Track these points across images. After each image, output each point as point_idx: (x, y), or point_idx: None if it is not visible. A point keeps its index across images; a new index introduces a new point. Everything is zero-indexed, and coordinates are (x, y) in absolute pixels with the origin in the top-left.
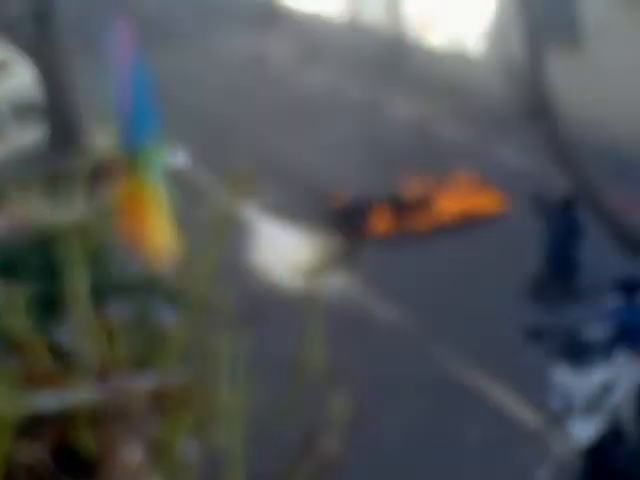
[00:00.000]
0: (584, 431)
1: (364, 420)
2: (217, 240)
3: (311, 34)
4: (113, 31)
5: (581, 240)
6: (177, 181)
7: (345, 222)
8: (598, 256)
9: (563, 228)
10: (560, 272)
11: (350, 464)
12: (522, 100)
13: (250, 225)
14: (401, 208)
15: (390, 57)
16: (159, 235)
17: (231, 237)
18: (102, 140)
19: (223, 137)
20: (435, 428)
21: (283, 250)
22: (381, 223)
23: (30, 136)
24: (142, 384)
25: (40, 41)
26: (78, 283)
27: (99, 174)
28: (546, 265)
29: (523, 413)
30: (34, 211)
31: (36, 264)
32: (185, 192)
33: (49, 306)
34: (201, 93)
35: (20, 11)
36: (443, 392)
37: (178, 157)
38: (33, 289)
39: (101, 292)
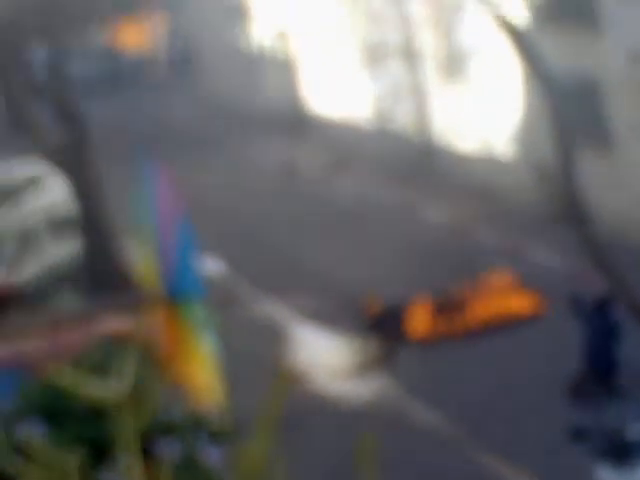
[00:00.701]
0: None
1: None
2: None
3: (341, 141)
4: (155, 184)
5: (619, 339)
6: (212, 288)
7: (381, 326)
8: (637, 355)
9: (601, 328)
10: (600, 371)
11: None
12: (554, 203)
13: (289, 331)
14: (438, 311)
15: (420, 162)
16: (203, 376)
17: (271, 342)
18: (144, 278)
19: (257, 244)
20: None
21: (322, 355)
22: (418, 326)
23: (65, 251)
24: None
25: (75, 161)
26: (126, 429)
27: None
28: (586, 365)
29: None
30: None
31: (82, 408)
32: (217, 298)
33: (97, 450)
34: (235, 201)
35: (60, 139)
36: None
37: (212, 265)
38: (80, 433)
39: (149, 434)
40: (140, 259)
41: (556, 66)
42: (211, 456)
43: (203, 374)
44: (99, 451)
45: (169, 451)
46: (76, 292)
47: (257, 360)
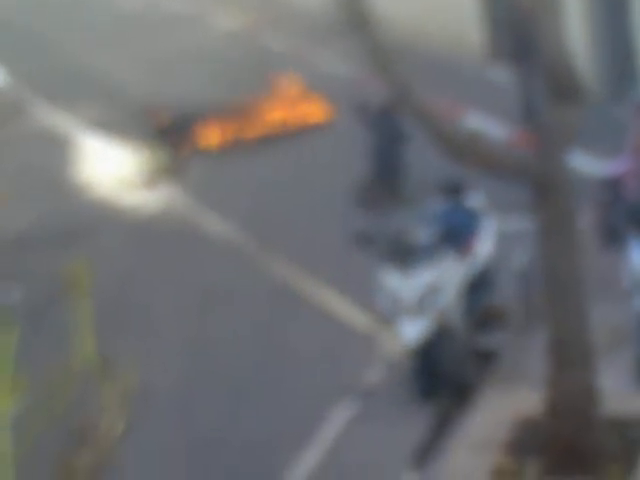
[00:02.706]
0: (413, 331)
1: (193, 330)
2: None
3: None
4: None
5: (404, 146)
6: None
7: (170, 137)
8: (422, 162)
9: (386, 134)
10: (385, 178)
11: (178, 366)
12: (340, 9)
13: (75, 141)
14: (227, 120)
15: None
16: None
17: (55, 153)
18: None
19: (42, 52)
20: (267, 334)
21: (109, 165)
22: (208, 136)
23: None
24: None
25: None
26: None
27: None
28: (372, 171)
29: (353, 316)
30: None
31: None
32: (5, 110)
33: None
34: (16, 5)
35: None
36: (274, 299)
37: None
38: None
39: None
40: None
41: None
42: None
43: None
44: None
45: None
46: None
47: (46, 172)
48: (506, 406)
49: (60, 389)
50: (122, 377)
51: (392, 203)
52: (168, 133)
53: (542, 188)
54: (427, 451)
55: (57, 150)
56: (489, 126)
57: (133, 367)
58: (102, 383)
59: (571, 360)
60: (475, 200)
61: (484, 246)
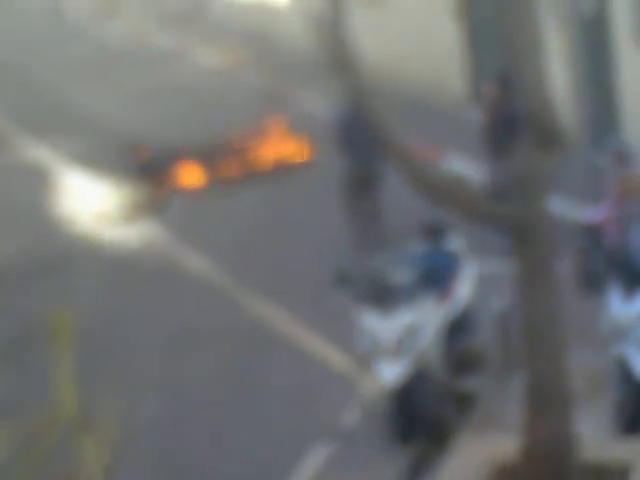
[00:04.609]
0: (391, 373)
1: (172, 371)
2: None
3: None
4: None
5: (382, 187)
6: None
7: (151, 173)
8: (401, 203)
9: (364, 175)
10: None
11: (157, 409)
12: (324, 51)
13: (56, 175)
14: (209, 158)
15: (194, 7)
16: None
17: (36, 186)
18: None
19: (23, 87)
20: (244, 374)
21: (88, 200)
22: (189, 174)
23: None
24: None
25: None
26: None
27: None
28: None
29: (331, 357)
30: None
31: None
32: None
33: None
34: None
35: None
36: (252, 338)
37: None
38: None
39: None
40: None
41: None
42: None
43: None
44: None
45: None
46: None
47: (25, 206)
48: (483, 451)
49: (38, 439)
50: (102, 426)
51: (371, 243)
52: (149, 169)
53: (521, 233)
54: None
55: (38, 183)
56: (469, 169)
57: (113, 414)
58: (82, 433)
59: (548, 405)
60: (455, 242)
61: (464, 288)
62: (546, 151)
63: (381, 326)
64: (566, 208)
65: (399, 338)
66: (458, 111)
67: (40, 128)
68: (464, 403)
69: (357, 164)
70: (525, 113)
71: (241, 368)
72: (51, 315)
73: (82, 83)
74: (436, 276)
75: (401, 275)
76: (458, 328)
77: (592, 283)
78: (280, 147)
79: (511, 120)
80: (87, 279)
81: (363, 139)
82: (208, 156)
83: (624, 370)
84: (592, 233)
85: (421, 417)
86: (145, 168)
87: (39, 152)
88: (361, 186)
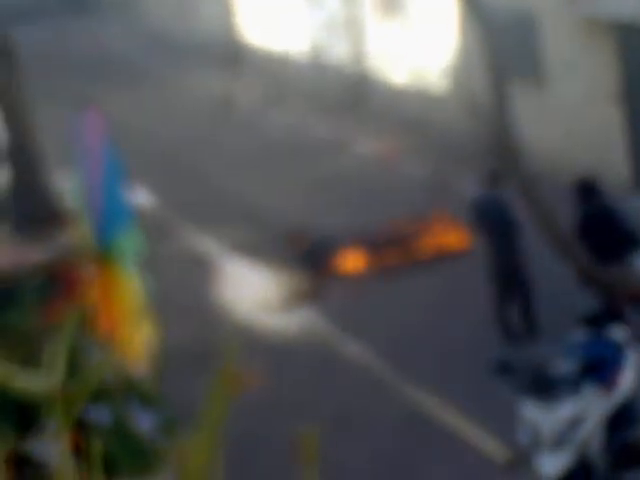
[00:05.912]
0: (552, 466)
1: (330, 458)
2: None
3: (277, 74)
4: (82, 121)
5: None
6: (143, 222)
7: (311, 260)
8: (562, 290)
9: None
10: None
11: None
12: (486, 136)
13: (218, 263)
14: (370, 246)
15: (355, 96)
16: (136, 336)
17: (197, 274)
18: (75, 234)
19: (188, 175)
20: (403, 465)
21: (250, 289)
22: (349, 261)
23: None
24: None
25: (3, 85)
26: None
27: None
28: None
29: (492, 449)
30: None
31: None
32: (150, 232)
33: (24, 416)
34: (169, 132)
35: None
36: (411, 428)
37: (142, 197)
38: (5, 397)
39: (78, 398)
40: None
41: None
42: (142, 421)
43: (136, 333)
44: (26, 417)
45: (99, 416)
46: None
47: (188, 294)
48: None
49: None
50: None
51: (530, 334)
52: (309, 257)
53: None
54: None
55: (200, 272)
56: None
57: None
58: None
59: None
60: (618, 332)
61: (627, 379)
62: None
63: (543, 417)
64: None
65: (561, 430)
66: (619, 195)
67: (204, 217)
68: None
69: (498, 254)
70: None
71: (396, 457)
72: (297, 434)
73: (245, 172)
74: (600, 366)
75: (564, 365)
76: (621, 420)
77: None
78: (441, 236)
79: None
80: (248, 366)
81: (502, 227)
82: (369, 244)
83: None
84: None
85: None
86: (305, 256)
87: (202, 241)
88: (506, 275)
